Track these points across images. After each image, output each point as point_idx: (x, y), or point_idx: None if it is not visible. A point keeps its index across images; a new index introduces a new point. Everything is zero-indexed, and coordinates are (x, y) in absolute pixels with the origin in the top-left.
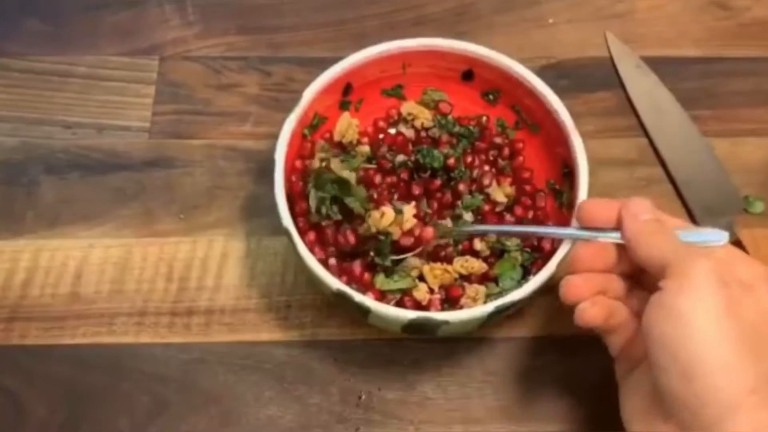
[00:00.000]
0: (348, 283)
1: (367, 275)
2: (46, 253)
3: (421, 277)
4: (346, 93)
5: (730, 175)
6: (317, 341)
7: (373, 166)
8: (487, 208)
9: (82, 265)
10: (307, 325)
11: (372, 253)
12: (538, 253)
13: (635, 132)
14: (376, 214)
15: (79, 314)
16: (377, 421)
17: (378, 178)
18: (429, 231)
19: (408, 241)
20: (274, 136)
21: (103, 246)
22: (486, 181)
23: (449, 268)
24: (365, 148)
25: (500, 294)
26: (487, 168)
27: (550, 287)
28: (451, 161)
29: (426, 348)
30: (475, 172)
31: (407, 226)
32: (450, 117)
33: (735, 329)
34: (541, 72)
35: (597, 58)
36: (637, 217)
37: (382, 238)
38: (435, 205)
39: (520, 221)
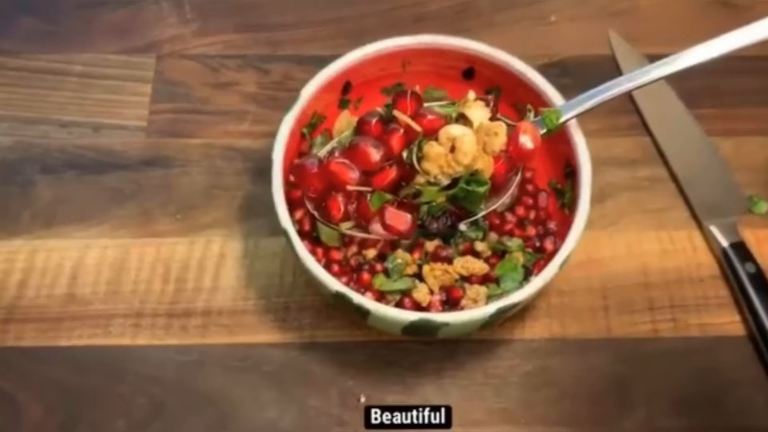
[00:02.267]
0: (347, 284)
1: (367, 275)
2: (42, 254)
3: (421, 278)
4: (345, 91)
5: (734, 175)
6: (316, 343)
7: None
8: None
9: (78, 265)
10: (306, 327)
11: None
12: (540, 254)
13: (638, 131)
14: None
15: (76, 315)
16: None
17: None
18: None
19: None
20: (273, 135)
21: (100, 246)
22: None
23: (449, 268)
24: None
25: (501, 295)
26: None
27: (553, 288)
28: None
29: (426, 350)
30: None
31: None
32: None
33: None
34: (543, 70)
35: (600, 56)
36: None
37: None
38: None
39: (521, 221)
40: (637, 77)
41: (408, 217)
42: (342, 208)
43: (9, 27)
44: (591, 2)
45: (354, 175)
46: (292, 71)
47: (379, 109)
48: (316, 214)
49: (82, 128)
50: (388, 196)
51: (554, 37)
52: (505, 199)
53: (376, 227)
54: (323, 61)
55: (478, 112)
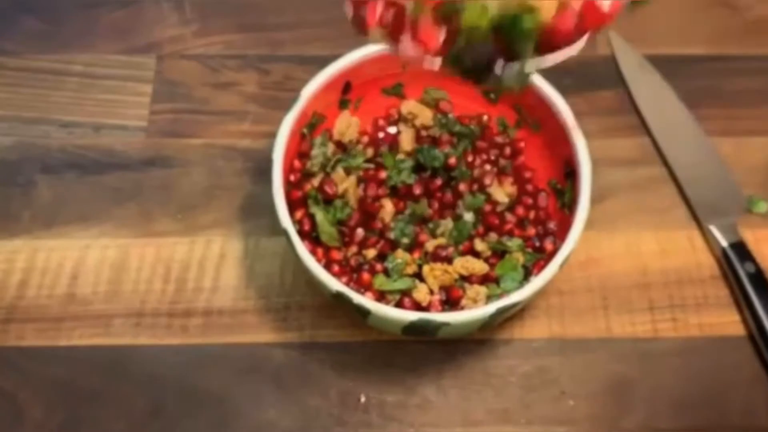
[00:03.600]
0: (347, 284)
1: (367, 275)
2: (42, 254)
3: (421, 278)
4: (345, 91)
5: (734, 175)
6: (316, 343)
7: (373, 165)
8: (488, 208)
9: (79, 265)
10: (306, 327)
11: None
12: (540, 253)
13: (638, 131)
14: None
15: (76, 315)
16: (376, 424)
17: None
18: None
19: None
20: (273, 135)
21: (100, 246)
22: (487, 181)
23: (449, 268)
24: (369, 150)
25: (501, 295)
26: (488, 167)
27: (552, 288)
28: (452, 161)
29: (426, 350)
30: (476, 172)
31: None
32: (450, 116)
33: None
34: (543, 70)
35: (600, 56)
36: None
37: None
38: (436, 204)
39: (521, 221)
40: None
41: (442, 32)
42: (379, 12)
43: (9, 27)
44: None
45: None
46: (292, 71)
47: None
48: (350, 17)
49: (82, 128)
50: (429, 9)
51: None
52: (560, 59)
53: (406, 41)
54: (324, 61)
55: None
